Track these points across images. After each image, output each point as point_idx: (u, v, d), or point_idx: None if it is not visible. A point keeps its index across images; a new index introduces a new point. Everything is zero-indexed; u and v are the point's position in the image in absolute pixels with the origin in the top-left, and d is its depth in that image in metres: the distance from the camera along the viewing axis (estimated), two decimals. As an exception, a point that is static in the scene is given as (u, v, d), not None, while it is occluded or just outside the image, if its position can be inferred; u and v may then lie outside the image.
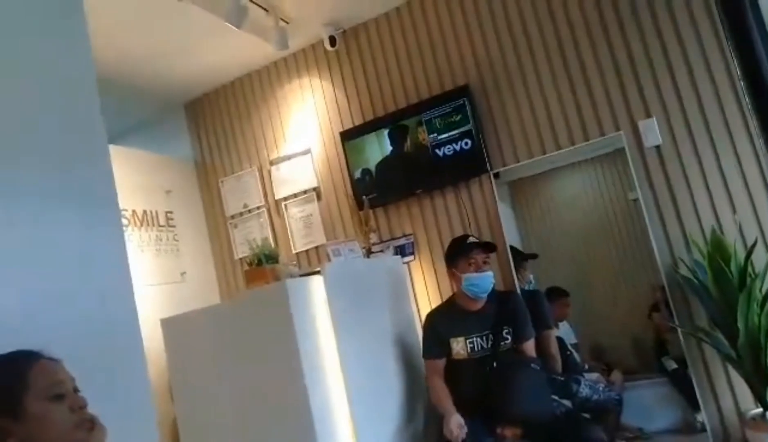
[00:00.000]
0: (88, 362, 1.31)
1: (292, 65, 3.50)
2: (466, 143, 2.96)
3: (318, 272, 2.24)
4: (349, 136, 3.27)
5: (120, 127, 3.77)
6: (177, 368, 2.27)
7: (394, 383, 2.51)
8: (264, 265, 2.18)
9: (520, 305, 2.52)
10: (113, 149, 3.13)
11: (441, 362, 2.42)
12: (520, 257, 3.15)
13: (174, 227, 3.42)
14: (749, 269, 2.28)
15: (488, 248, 2.46)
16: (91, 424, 1.01)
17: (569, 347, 3.27)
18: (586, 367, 3.40)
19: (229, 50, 3.25)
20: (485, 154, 2.95)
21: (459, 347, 2.41)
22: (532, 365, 2.32)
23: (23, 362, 1.00)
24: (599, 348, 3.72)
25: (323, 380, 2.11)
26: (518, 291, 2.86)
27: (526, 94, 2.93)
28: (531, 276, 3.21)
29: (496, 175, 2.99)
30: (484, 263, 2.40)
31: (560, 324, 3.68)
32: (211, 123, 3.76)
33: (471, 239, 2.48)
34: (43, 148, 1.39)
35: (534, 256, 3.25)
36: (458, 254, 2.45)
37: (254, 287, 2.18)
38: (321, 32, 3.27)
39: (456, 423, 2.16)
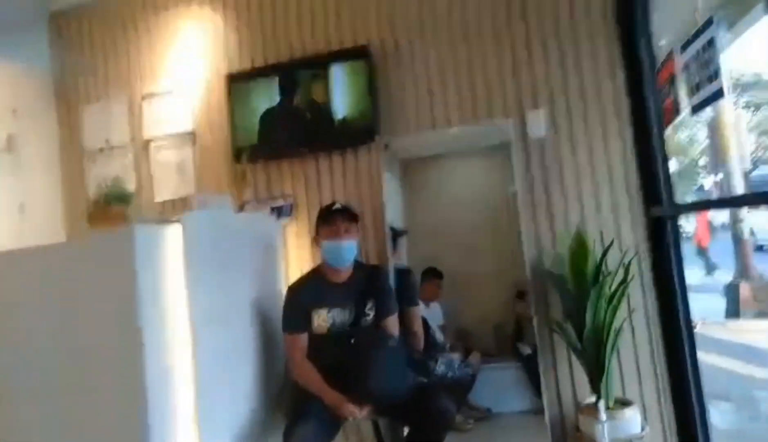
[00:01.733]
0: None
1: (175, -9, 3.14)
2: (360, 108, 2.84)
3: (177, 221, 2.01)
4: (235, 79, 3.00)
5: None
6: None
7: (248, 355, 2.35)
8: (111, 205, 1.92)
9: (386, 280, 2.48)
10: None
11: (303, 337, 2.30)
12: (394, 233, 3.13)
13: (16, 151, 2.96)
14: (603, 267, 2.42)
15: (350, 216, 2.37)
16: None
17: (431, 326, 3.33)
18: (448, 346, 3.51)
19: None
20: (377, 123, 2.85)
21: (320, 319, 2.31)
22: (390, 342, 2.29)
23: None
24: (464, 331, 3.86)
25: (166, 346, 1.90)
26: (390, 267, 2.82)
27: (425, 66, 2.86)
28: (404, 253, 3.20)
29: (386, 146, 2.91)
30: (346, 231, 2.31)
31: (431, 304, 3.76)
32: (79, 39, 3.28)
33: (336, 206, 2.38)
34: None
35: (404, 232, 3.23)
36: (321, 221, 2.36)
37: (98, 230, 1.91)
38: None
39: (351, 411, 2.12)
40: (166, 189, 3.13)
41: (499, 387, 3.48)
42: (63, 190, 3.23)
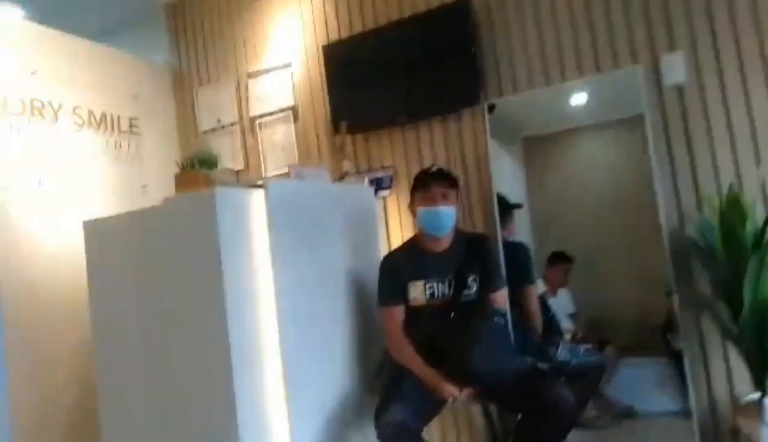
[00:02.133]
0: None
1: (276, -33, 3.11)
2: (462, 68, 2.58)
3: (260, 186, 1.93)
4: (332, 50, 2.91)
5: (99, 23, 3.46)
6: (95, 275, 2.03)
7: (340, 328, 2.23)
8: (197, 169, 1.89)
9: (491, 251, 2.22)
10: (80, 43, 2.88)
11: (399, 310, 2.12)
12: (506, 207, 2.83)
13: (138, 134, 3.14)
14: (768, 234, 1.92)
15: (448, 180, 2.13)
16: None
17: (555, 313, 2.98)
18: (579, 336, 3.15)
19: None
20: (481, 83, 2.57)
21: (417, 292, 2.11)
22: (495, 318, 2.02)
23: None
24: (598, 320, 3.46)
25: (251, 314, 1.84)
26: (499, 240, 2.54)
27: (534, 14, 2.52)
28: (515, 228, 2.89)
29: (491, 109, 2.62)
30: (443, 197, 2.07)
31: (559, 291, 3.42)
32: (192, 26, 3.41)
33: (432, 169, 2.15)
34: None
35: (518, 205, 2.92)
36: (417, 186, 2.14)
37: (182, 194, 1.90)
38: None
39: (450, 391, 1.91)
40: (272, 165, 3.13)
41: (643, 384, 3.05)
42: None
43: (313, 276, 2.09)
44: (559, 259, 3.40)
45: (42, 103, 2.64)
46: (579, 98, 2.93)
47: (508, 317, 2.22)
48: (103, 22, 3.52)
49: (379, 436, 1.84)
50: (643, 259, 3.18)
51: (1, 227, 2.37)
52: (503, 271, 2.23)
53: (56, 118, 2.70)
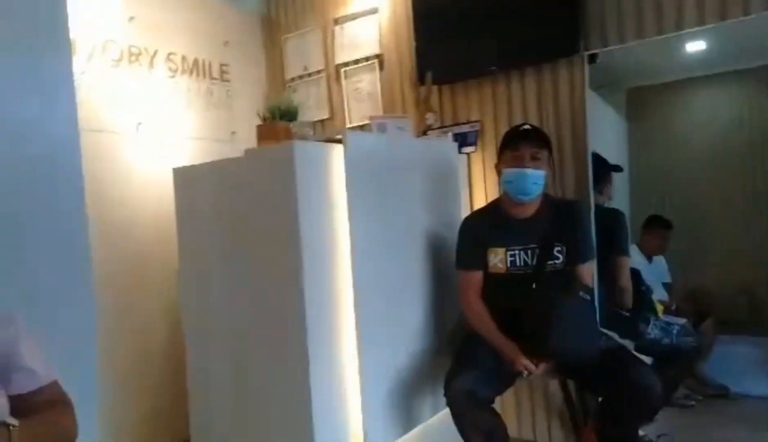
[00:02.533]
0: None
1: None
2: (560, 13, 2.35)
3: (339, 141, 1.89)
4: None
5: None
6: (183, 224, 2.13)
7: (416, 288, 2.19)
8: (277, 121, 1.88)
9: (582, 219, 2.04)
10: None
11: (477, 276, 2.04)
12: (603, 169, 2.61)
13: (228, 81, 3.19)
14: None
15: (540, 140, 1.96)
16: None
17: (648, 284, 2.78)
18: (674, 308, 2.96)
19: None
20: (581, 30, 2.33)
21: (497, 259, 2.01)
22: (581, 293, 1.89)
23: None
24: (699, 292, 3.22)
25: (326, 266, 1.84)
26: (591, 205, 2.36)
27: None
28: (613, 192, 2.68)
29: (592, 59, 2.38)
30: (532, 158, 1.91)
31: (654, 258, 3.21)
32: (284, -30, 3.36)
33: (523, 128, 1.99)
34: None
35: (618, 168, 2.69)
36: (505, 145, 2.00)
37: (264, 145, 1.91)
38: None
39: (525, 365, 1.84)
40: (357, 114, 3.09)
41: (742, 364, 2.86)
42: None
43: (390, 233, 2.06)
44: (657, 224, 3.16)
45: (139, 50, 2.73)
46: (696, 46, 2.60)
47: (595, 291, 2.08)
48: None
49: (448, 402, 1.82)
50: (755, 228, 2.89)
51: (99, 168, 2.52)
52: (593, 242, 2.06)
53: (152, 65, 2.79)
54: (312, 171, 1.81)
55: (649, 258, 3.16)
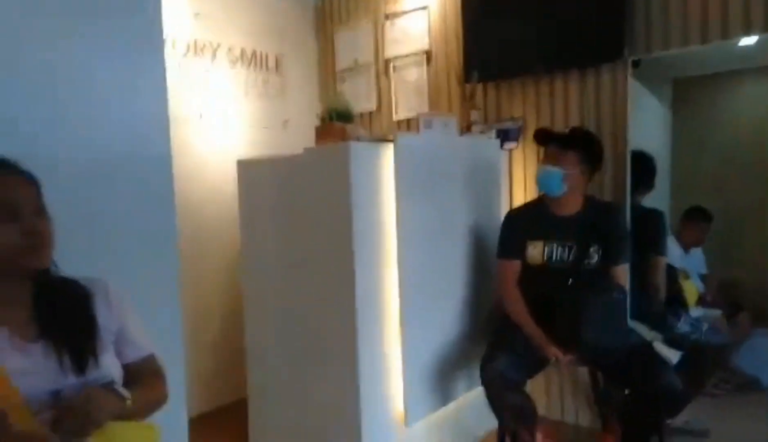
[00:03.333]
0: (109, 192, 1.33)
1: None
2: (605, 18, 2.42)
3: (390, 140, 2.06)
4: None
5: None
6: (245, 210, 2.33)
7: (457, 277, 2.36)
8: (334, 122, 2.05)
9: (618, 222, 2.17)
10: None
11: (516, 265, 2.20)
12: (644, 167, 2.67)
13: (283, 72, 3.37)
14: None
15: (566, 141, 2.10)
16: (39, 245, 0.96)
17: (677, 278, 2.85)
18: (709, 300, 3.01)
19: None
20: (626, 35, 2.40)
21: (536, 251, 2.16)
22: (615, 293, 2.02)
23: None
24: (735, 284, 3.25)
25: (375, 256, 2.03)
26: (627, 206, 2.45)
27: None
28: (654, 185, 2.72)
29: (636, 64, 2.45)
30: (555, 157, 2.07)
31: (692, 249, 3.24)
32: (336, -36, 3.49)
33: (554, 129, 2.14)
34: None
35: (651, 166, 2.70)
36: (539, 144, 2.17)
37: (321, 145, 2.08)
38: None
39: (554, 352, 2.00)
40: (403, 107, 3.23)
41: None
42: (321, 107, 3.59)
43: (434, 226, 2.22)
44: (696, 216, 3.17)
45: (203, 44, 2.94)
46: (747, 39, 2.61)
47: (628, 285, 2.20)
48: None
49: (483, 383, 1.99)
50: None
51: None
52: (628, 245, 2.17)
53: (214, 57, 3.00)
54: (364, 169, 1.98)
55: (687, 249, 3.20)
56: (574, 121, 2.59)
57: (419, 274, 2.14)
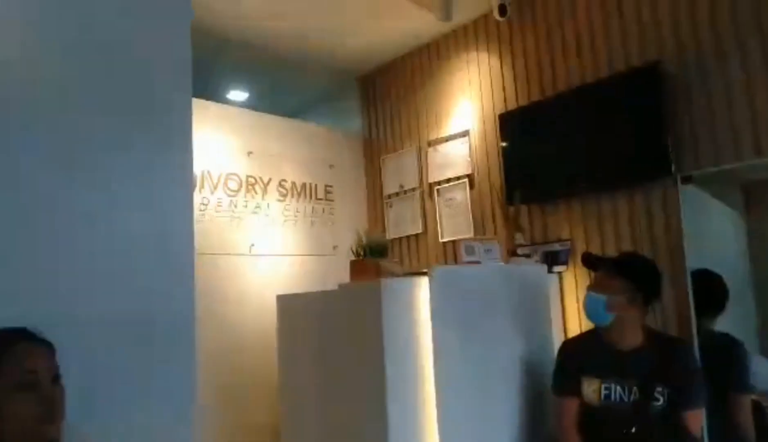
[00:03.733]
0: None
1: (460, 38, 3.21)
2: (650, 136, 2.36)
3: (425, 274, 2.01)
4: (508, 118, 2.89)
5: (297, 102, 3.97)
6: (283, 342, 2.32)
7: (506, 419, 2.17)
8: (368, 257, 2.04)
9: (688, 362, 1.91)
10: (286, 122, 3.34)
11: (572, 403, 1.98)
12: (713, 286, 2.43)
13: (332, 200, 3.49)
14: None
15: (611, 266, 1.97)
16: (53, 419, 0.99)
17: (768, 415, 2.48)
18: None
19: (398, 22, 3.12)
20: (672, 153, 2.32)
21: (591, 389, 1.95)
22: None
23: (1, 341, 0.99)
24: None
25: (411, 399, 1.91)
26: (694, 334, 2.21)
27: (744, 76, 2.19)
28: (723, 318, 2.47)
29: (687, 179, 2.33)
30: (599, 283, 1.95)
31: None
32: (380, 98, 3.70)
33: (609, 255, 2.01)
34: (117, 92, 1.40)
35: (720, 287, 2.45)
36: (588, 268, 2.05)
37: (356, 281, 2.07)
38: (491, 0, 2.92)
39: None
40: (448, 230, 3.21)
41: None
42: (369, 231, 3.65)
43: (479, 360, 2.08)
44: None
45: (254, 179, 3.11)
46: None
47: (705, 431, 1.92)
48: (304, 98, 4.02)
49: None
50: None
51: (217, 286, 2.84)
52: (702, 386, 1.91)
53: (266, 191, 3.15)
54: (398, 305, 1.92)
55: None
56: (626, 242, 2.46)
57: (463, 420, 1.97)
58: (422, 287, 2.00)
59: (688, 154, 2.32)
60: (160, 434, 1.39)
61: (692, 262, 2.33)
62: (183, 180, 1.52)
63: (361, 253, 2.10)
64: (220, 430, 2.66)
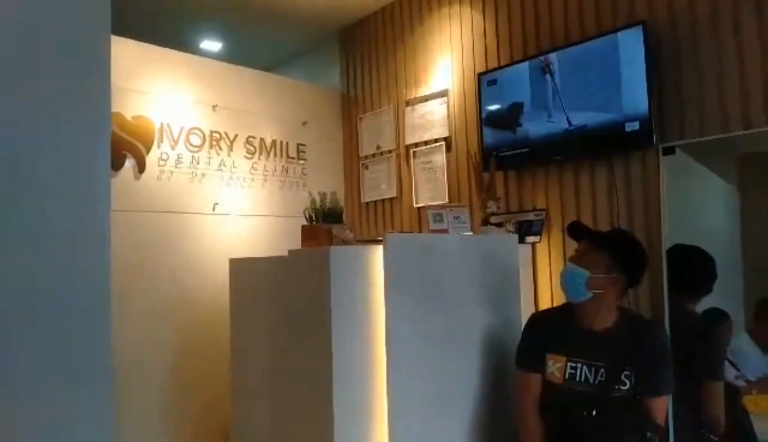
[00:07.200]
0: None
1: (444, -10, 3.00)
2: (632, 103, 2.19)
3: (380, 242, 1.87)
4: (488, 78, 2.70)
5: (276, 57, 3.77)
6: (235, 306, 2.23)
7: (467, 390, 2.07)
8: (320, 223, 1.91)
9: (658, 346, 1.77)
10: (256, 75, 3.14)
11: (535, 379, 1.86)
12: (702, 266, 2.28)
13: (305, 160, 3.33)
14: None
15: (596, 240, 1.82)
16: None
17: (744, 402, 2.39)
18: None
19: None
20: (658, 122, 2.16)
21: (555, 367, 1.83)
22: (649, 434, 1.65)
23: None
24: None
25: (360, 369, 1.81)
26: (666, 315, 2.10)
27: (735, 45, 2.01)
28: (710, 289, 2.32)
29: (670, 150, 2.17)
30: (582, 255, 1.80)
31: None
32: (360, 53, 3.50)
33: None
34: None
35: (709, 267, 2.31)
36: (572, 238, 1.91)
37: (306, 247, 1.94)
38: (476, -51, 2.70)
39: None
40: (424, 194, 3.07)
41: None
42: (344, 194, 3.51)
43: (437, 332, 1.98)
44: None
45: (220, 135, 2.95)
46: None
47: (671, 417, 1.82)
48: (284, 52, 3.82)
49: None
50: None
51: (176, 245, 2.72)
52: (670, 372, 1.78)
53: (231, 148, 2.99)
54: (349, 274, 1.80)
55: (765, 347, 2.72)
56: (603, 215, 2.32)
57: (415, 391, 1.88)
58: (377, 256, 1.88)
59: (674, 124, 2.16)
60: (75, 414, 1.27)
61: (679, 238, 2.20)
62: (98, 131, 1.35)
63: (314, 218, 1.96)
64: (172, 387, 2.59)
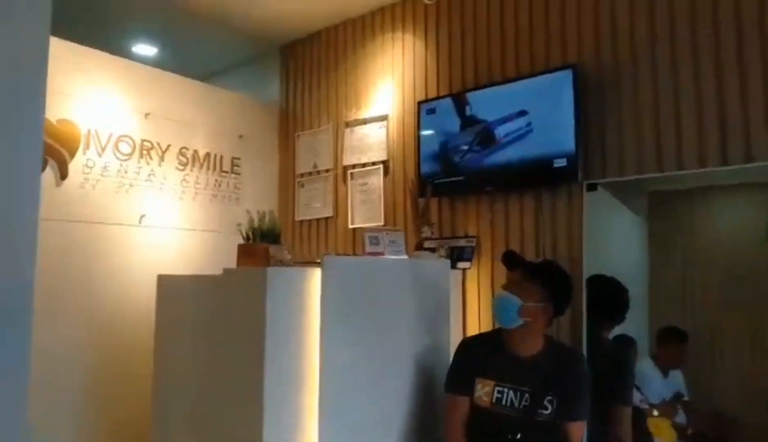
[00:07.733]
0: None
1: (387, 17, 3.07)
2: (561, 140, 2.33)
3: (318, 264, 1.87)
4: (427, 106, 2.79)
5: (214, 66, 3.69)
6: (161, 326, 2.12)
7: (399, 413, 2.10)
8: (257, 242, 1.88)
9: (579, 375, 1.88)
10: (192, 84, 3.05)
11: (463, 402, 1.92)
12: (617, 296, 2.43)
13: (239, 174, 3.26)
14: None
15: (529, 270, 1.92)
16: None
17: (648, 425, 2.56)
18: (690, 432, 2.70)
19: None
20: (582, 160, 2.31)
21: (483, 391, 1.89)
22: None
23: None
24: (721, 416, 2.97)
25: (292, 391, 1.79)
26: (583, 342, 2.23)
27: (652, 88, 2.19)
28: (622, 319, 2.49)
29: (593, 187, 2.33)
30: (516, 285, 1.89)
31: (671, 372, 2.98)
32: (301, 71, 3.50)
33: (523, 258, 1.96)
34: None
35: (622, 306, 2.47)
36: (506, 267, 1.99)
37: (242, 266, 1.90)
38: (420, -20, 2.80)
39: None
40: (359, 216, 3.09)
41: None
42: (278, 211, 3.46)
43: (371, 356, 1.99)
44: (672, 335, 2.95)
45: (151, 144, 2.84)
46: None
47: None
48: (219, 60, 3.74)
49: None
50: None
51: (98, 258, 2.58)
52: (587, 400, 1.89)
53: (162, 159, 2.88)
54: (285, 295, 1.78)
55: (665, 372, 2.95)
56: (529, 244, 2.44)
57: (345, 409, 1.87)
58: (314, 278, 1.87)
59: (597, 162, 2.32)
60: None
61: (597, 268, 2.34)
62: (30, 136, 1.27)
63: (251, 237, 1.93)
64: (89, 407, 2.43)
